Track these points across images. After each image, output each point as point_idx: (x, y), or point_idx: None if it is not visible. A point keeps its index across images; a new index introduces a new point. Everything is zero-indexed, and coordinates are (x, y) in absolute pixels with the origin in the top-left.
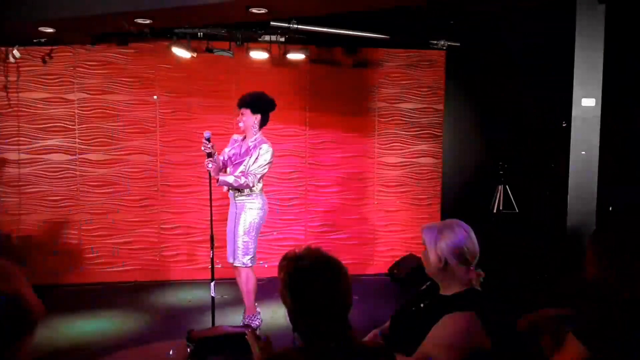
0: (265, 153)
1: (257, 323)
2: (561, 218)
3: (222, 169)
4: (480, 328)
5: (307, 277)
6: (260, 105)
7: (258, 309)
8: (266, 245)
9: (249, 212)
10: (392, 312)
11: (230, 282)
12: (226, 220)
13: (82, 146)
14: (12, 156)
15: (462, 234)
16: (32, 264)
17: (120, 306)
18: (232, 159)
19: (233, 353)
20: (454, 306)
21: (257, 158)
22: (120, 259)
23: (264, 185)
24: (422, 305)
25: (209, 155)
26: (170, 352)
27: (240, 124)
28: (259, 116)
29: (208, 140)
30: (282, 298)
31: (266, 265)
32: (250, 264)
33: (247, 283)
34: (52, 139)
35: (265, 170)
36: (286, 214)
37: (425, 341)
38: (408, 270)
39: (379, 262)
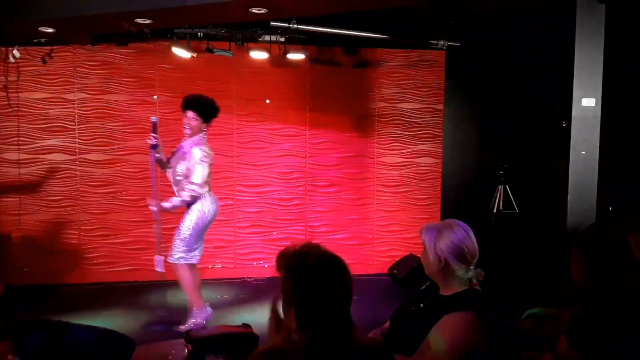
0: (196, 158)
1: (205, 316)
2: (561, 218)
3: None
4: (480, 328)
5: (311, 274)
6: (211, 113)
7: (206, 303)
8: (266, 245)
9: (191, 213)
10: (392, 312)
11: (230, 282)
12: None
13: (82, 146)
14: (12, 156)
15: (462, 234)
16: (32, 264)
17: (120, 306)
18: (169, 163)
19: (232, 353)
20: (454, 306)
21: (189, 167)
22: (120, 259)
23: (212, 187)
24: (422, 305)
25: (154, 147)
26: (170, 357)
27: (187, 130)
28: (206, 125)
29: (154, 126)
30: (283, 294)
31: (266, 266)
32: (182, 262)
33: (184, 280)
34: (52, 139)
35: (204, 175)
36: (286, 214)
37: (425, 341)
38: (408, 270)
39: (379, 262)
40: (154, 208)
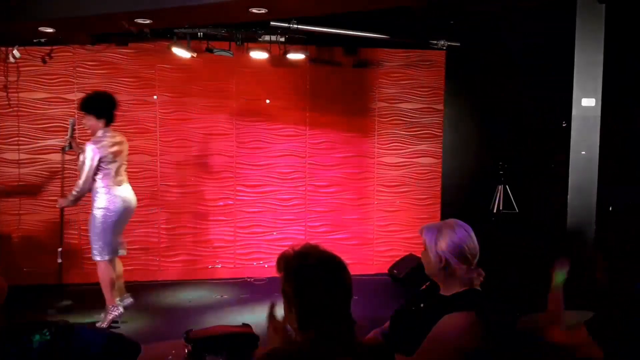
0: (86, 154)
1: (117, 313)
2: (561, 218)
3: None
4: (480, 328)
5: (311, 275)
6: (104, 111)
7: (117, 300)
8: (266, 245)
9: (95, 210)
10: (392, 312)
11: (230, 282)
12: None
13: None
14: (12, 156)
15: (462, 233)
16: (32, 264)
17: None
18: None
19: (231, 353)
20: (454, 306)
21: (79, 164)
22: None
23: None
24: (422, 305)
25: (64, 148)
26: (170, 357)
27: (88, 130)
28: (104, 120)
29: (72, 127)
30: (284, 295)
31: (266, 266)
32: (99, 259)
33: (100, 276)
34: (52, 139)
35: (86, 168)
36: (286, 214)
37: (425, 341)
38: (408, 270)
39: (379, 262)
40: (58, 205)
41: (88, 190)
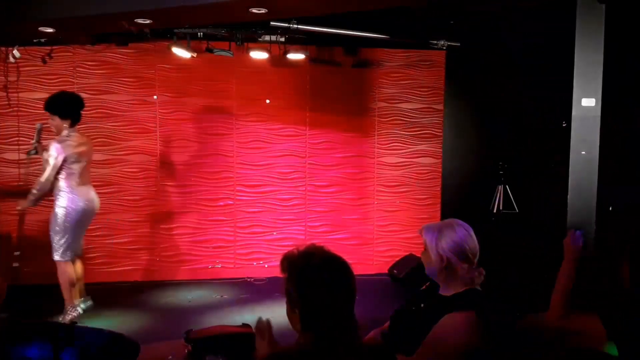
0: (50, 152)
1: (75, 314)
2: (561, 218)
3: None
4: (480, 328)
5: (315, 276)
6: (71, 109)
7: (76, 301)
8: (266, 245)
9: (56, 209)
10: (392, 312)
11: (230, 282)
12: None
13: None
14: (12, 156)
15: (463, 233)
16: (32, 264)
17: (120, 306)
18: None
19: (232, 353)
20: (454, 306)
21: (43, 162)
22: (120, 259)
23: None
24: (422, 305)
25: (29, 152)
26: (170, 357)
27: (53, 129)
28: (69, 121)
29: (39, 132)
30: (287, 296)
31: (266, 266)
32: (60, 259)
33: (60, 276)
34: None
35: (49, 167)
36: (286, 214)
37: (425, 341)
38: (408, 270)
39: (379, 262)
40: (18, 207)
41: (49, 190)
